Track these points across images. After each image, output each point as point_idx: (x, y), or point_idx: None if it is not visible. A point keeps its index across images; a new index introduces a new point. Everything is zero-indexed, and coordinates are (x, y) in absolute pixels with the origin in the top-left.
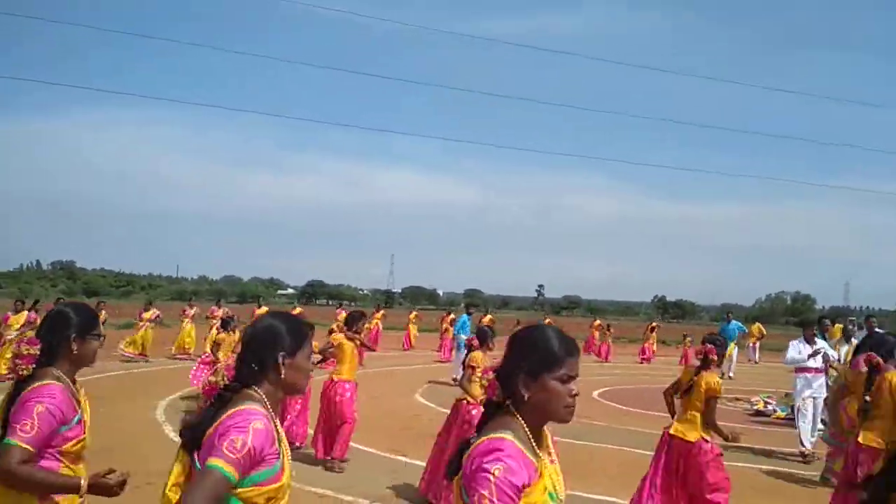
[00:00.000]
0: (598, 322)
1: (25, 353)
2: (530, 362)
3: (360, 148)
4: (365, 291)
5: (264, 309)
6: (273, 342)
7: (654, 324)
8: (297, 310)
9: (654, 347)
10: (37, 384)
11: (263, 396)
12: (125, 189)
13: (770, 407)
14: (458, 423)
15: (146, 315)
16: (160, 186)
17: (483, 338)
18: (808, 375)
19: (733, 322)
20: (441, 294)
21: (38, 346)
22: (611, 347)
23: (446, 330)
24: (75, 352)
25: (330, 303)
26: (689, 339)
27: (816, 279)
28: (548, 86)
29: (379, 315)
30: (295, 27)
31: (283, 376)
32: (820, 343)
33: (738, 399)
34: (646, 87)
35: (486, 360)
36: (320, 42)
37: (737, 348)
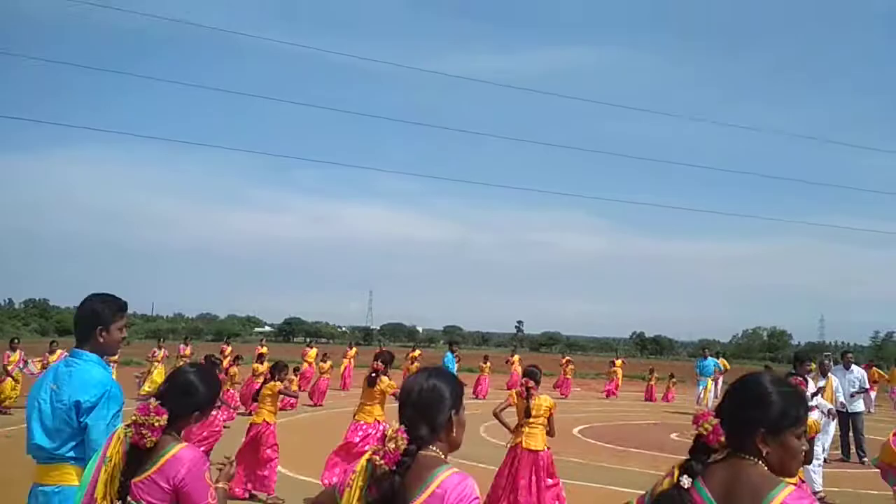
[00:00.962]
0: (567, 359)
1: (156, 424)
2: (772, 418)
3: (338, 185)
4: (343, 329)
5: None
6: (444, 401)
7: (616, 359)
8: (264, 349)
9: (620, 382)
10: (175, 450)
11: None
12: (99, 226)
13: None
14: (530, 468)
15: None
16: (134, 223)
17: (535, 378)
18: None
19: (709, 358)
20: (421, 331)
21: (166, 417)
22: (570, 382)
23: (408, 368)
24: (193, 421)
25: (308, 340)
26: (654, 374)
27: (792, 315)
28: (526, 124)
29: (352, 353)
30: (269, 64)
31: (453, 434)
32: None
33: None
34: (625, 125)
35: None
36: (296, 79)
37: (714, 384)
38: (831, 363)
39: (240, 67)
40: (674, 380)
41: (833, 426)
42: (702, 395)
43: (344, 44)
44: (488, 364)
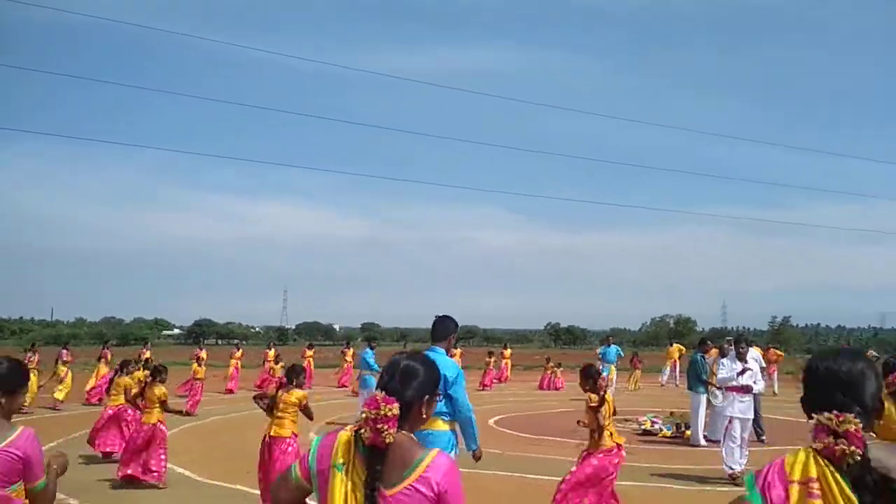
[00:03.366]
0: (504, 351)
1: (389, 413)
2: None
3: (248, 182)
4: (257, 329)
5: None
6: (871, 379)
7: (497, 350)
8: (147, 353)
9: (509, 373)
10: (433, 454)
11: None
12: None
13: (657, 426)
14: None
15: None
16: (31, 225)
17: (594, 377)
18: (734, 394)
19: (613, 346)
20: (338, 329)
21: (398, 405)
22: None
23: (270, 368)
24: (424, 416)
25: (219, 342)
26: (550, 363)
27: (697, 303)
28: (442, 120)
29: (238, 354)
30: (182, 59)
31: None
32: (750, 362)
33: (626, 420)
34: (537, 121)
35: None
36: (204, 74)
37: (616, 371)
38: (731, 347)
39: (151, 62)
40: (561, 368)
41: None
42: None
43: (261, 39)
44: None
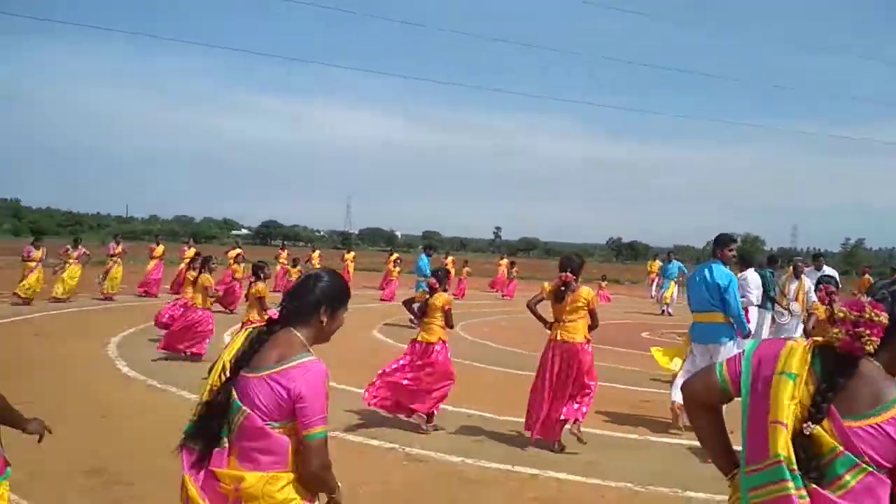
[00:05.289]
0: (506, 261)
1: (875, 319)
2: None
3: (316, 87)
4: (322, 233)
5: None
6: None
7: (508, 260)
8: (237, 251)
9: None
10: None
11: None
12: (71, 126)
13: None
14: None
15: (73, 253)
16: (108, 124)
17: (440, 278)
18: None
19: (674, 262)
20: (399, 236)
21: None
22: (516, 285)
23: (389, 271)
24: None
25: (285, 243)
26: (605, 282)
27: (766, 222)
28: (510, 25)
29: (350, 256)
30: None
31: None
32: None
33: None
34: (606, 27)
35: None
36: None
37: (677, 287)
38: (804, 266)
39: None
40: (605, 282)
41: (800, 329)
42: (664, 296)
43: None
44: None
